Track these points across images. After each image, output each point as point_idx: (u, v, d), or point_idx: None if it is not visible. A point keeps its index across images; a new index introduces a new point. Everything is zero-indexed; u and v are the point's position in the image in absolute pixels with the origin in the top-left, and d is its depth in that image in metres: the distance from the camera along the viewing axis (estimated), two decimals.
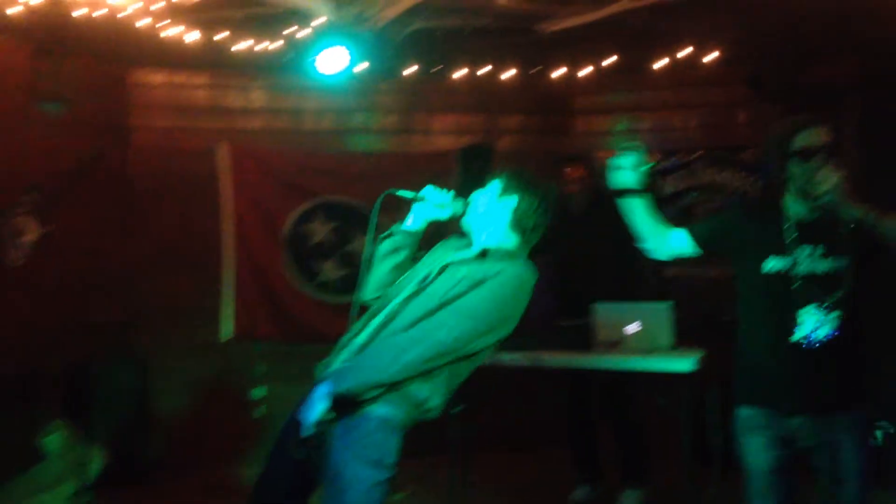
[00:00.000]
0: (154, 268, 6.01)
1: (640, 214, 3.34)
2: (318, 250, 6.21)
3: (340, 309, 6.29)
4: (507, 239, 2.94)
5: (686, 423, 4.41)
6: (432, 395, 2.78)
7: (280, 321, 6.01)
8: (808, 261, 2.89)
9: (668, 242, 3.33)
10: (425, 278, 2.85)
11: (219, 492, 5.37)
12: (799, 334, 2.90)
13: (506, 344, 4.56)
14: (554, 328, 4.84)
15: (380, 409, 2.68)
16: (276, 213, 6.13)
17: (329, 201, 6.27)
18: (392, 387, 2.67)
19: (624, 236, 5.33)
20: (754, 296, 3.07)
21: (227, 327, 5.82)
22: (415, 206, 3.03)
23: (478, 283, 2.73)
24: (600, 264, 5.05)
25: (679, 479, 4.50)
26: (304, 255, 6.13)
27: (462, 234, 3.04)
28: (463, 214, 2.97)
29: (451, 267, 2.83)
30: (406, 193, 3.00)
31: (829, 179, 2.79)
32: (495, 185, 2.97)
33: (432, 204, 2.99)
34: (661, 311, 4.54)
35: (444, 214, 3.00)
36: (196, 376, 6.04)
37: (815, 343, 2.88)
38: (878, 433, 2.98)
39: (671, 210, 6.41)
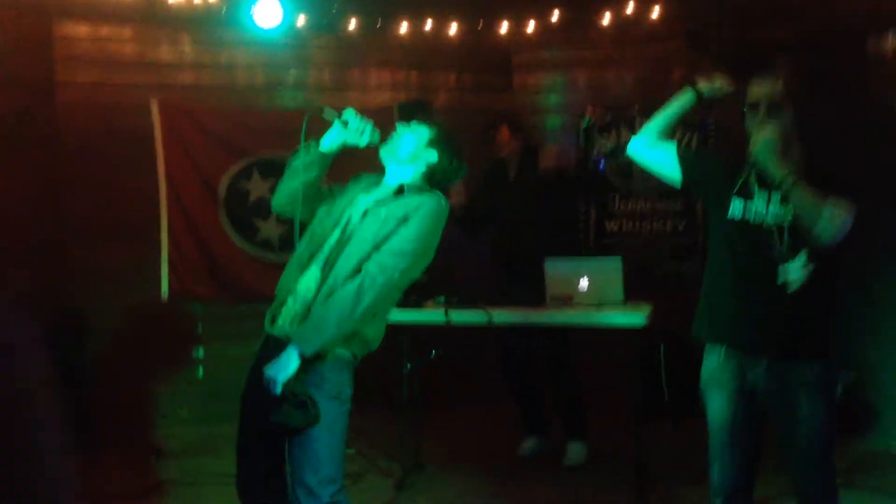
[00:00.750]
0: (87, 228, 5.80)
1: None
2: (257, 208, 6.07)
3: (281, 267, 6.19)
4: (419, 181, 3.09)
5: (635, 376, 4.47)
6: (377, 331, 3.03)
7: (219, 281, 5.88)
8: (772, 207, 2.89)
9: (656, 152, 3.23)
10: (349, 222, 2.96)
11: (158, 452, 5.27)
12: (781, 278, 2.87)
13: (460, 300, 4.61)
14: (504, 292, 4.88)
15: (335, 351, 2.90)
16: (212, 171, 5.96)
17: (265, 158, 6.12)
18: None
19: (562, 194, 5.40)
20: (720, 240, 3.04)
21: (164, 288, 5.67)
22: (334, 128, 3.09)
23: (403, 220, 2.89)
24: (541, 225, 5.05)
25: (628, 433, 4.58)
26: (243, 213, 5.99)
27: (373, 171, 3.17)
28: (379, 145, 3.07)
29: (372, 210, 2.95)
30: (330, 115, 3.07)
31: (760, 134, 2.80)
32: (423, 134, 3.09)
33: (352, 128, 3.05)
34: (612, 266, 4.59)
35: (360, 141, 3.06)
36: (135, 337, 5.89)
37: (789, 288, 2.86)
38: (839, 385, 2.99)
39: (611, 164, 6.48)
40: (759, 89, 2.91)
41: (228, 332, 5.77)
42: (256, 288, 5.75)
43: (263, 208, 6.08)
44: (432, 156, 3.08)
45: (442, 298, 4.70)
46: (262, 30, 6.01)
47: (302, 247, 3.05)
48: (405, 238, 2.88)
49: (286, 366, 2.74)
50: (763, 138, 2.77)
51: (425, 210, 2.93)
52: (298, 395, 2.75)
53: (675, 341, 5.45)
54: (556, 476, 4.92)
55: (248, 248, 5.98)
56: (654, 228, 6.42)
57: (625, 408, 4.62)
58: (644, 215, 6.45)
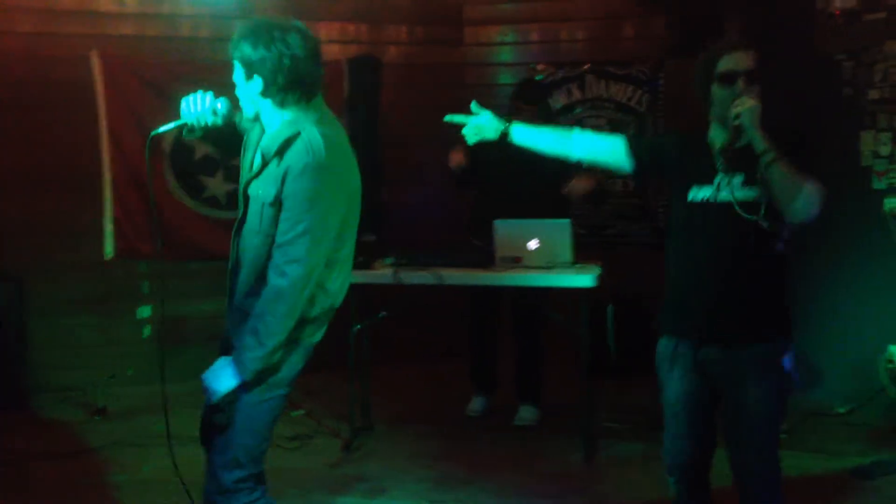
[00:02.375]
0: (22, 183, 5.63)
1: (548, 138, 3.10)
2: (203, 164, 5.94)
3: (229, 224, 6.08)
4: (283, 116, 2.63)
5: (584, 338, 4.49)
6: (341, 281, 2.79)
7: (165, 239, 5.75)
8: (727, 189, 2.86)
9: (602, 149, 3.05)
10: (240, 205, 2.67)
11: (102, 414, 5.21)
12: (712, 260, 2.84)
13: (409, 261, 4.58)
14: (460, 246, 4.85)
15: None
16: (156, 126, 5.79)
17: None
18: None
19: (558, 171, 5.29)
20: (678, 224, 2.96)
21: (108, 246, 5.53)
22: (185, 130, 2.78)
23: (281, 206, 2.53)
24: (529, 196, 4.88)
25: (577, 394, 4.61)
26: (189, 170, 5.85)
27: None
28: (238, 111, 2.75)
29: (251, 196, 2.63)
30: (168, 127, 2.79)
31: (743, 104, 2.76)
32: (238, 72, 2.65)
33: (204, 117, 2.73)
34: (561, 227, 4.57)
35: (217, 121, 2.75)
36: (76, 297, 5.78)
37: (729, 269, 2.83)
38: (785, 360, 2.97)
39: (561, 122, 6.45)
40: (734, 62, 2.78)
41: (176, 290, 5.67)
42: (203, 246, 5.66)
43: (209, 165, 5.97)
44: (258, 82, 2.58)
45: (390, 259, 4.66)
46: None
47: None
48: (290, 221, 2.51)
49: (221, 381, 2.57)
50: (748, 109, 2.68)
51: (293, 179, 2.51)
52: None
53: (623, 301, 5.52)
54: (505, 436, 4.95)
55: (194, 205, 5.85)
56: (605, 188, 6.40)
57: (573, 367, 4.65)
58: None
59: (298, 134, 2.55)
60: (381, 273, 4.59)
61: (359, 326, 4.72)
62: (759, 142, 2.68)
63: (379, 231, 5.77)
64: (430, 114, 6.43)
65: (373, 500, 4.08)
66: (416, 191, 5.52)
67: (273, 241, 2.54)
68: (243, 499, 2.68)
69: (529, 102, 5.05)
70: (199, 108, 2.69)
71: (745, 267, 2.83)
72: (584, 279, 4.41)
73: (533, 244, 4.53)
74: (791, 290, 2.97)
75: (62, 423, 5.20)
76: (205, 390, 2.60)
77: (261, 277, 2.56)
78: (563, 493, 4.13)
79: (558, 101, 6.46)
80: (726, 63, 2.79)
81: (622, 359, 5.09)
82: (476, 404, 5.28)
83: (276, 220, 2.54)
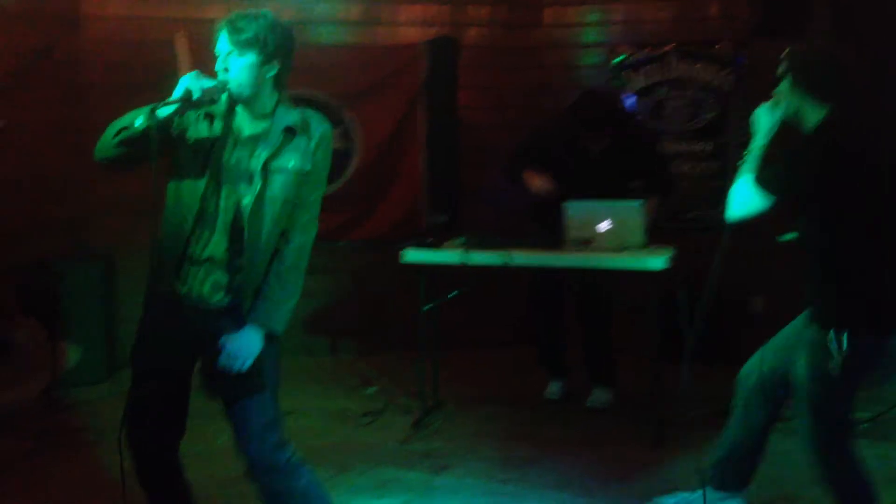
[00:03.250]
0: None
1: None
2: None
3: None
4: (273, 98, 2.79)
5: (656, 321, 4.44)
6: None
7: None
8: None
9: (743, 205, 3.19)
10: (251, 178, 2.72)
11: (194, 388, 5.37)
12: None
13: (479, 241, 4.59)
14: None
15: None
16: None
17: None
18: None
19: (649, 165, 5.23)
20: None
21: None
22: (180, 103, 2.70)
23: (308, 174, 2.77)
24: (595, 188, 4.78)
25: (648, 377, 4.56)
26: None
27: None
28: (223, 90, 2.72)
29: (275, 169, 2.73)
30: (171, 103, 2.67)
31: None
32: (248, 54, 2.70)
33: (205, 92, 2.69)
34: (634, 210, 4.52)
35: (216, 97, 2.74)
36: None
37: None
38: (832, 346, 2.97)
39: (642, 104, 6.36)
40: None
41: None
42: None
43: None
44: (251, 55, 2.70)
45: (461, 240, 4.68)
46: None
47: (175, 204, 2.78)
48: (319, 184, 2.83)
49: (252, 347, 2.73)
50: None
51: (324, 147, 2.82)
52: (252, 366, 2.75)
53: (699, 286, 5.42)
54: (576, 418, 4.94)
55: None
56: (686, 170, 6.30)
57: (645, 352, 4.60)
58: (675, 156, 6.33)
59: (303, 110, 2.86)
60: (450, 253, 4.61)
61: (428, 307, 4.75)
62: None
63: (453, 213, 5.82)
64: (509, 96, 6.49)
65: (438, 476, 4.12)
66: (493, 174, 5.50)
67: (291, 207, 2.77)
68: (287, 453, 2.86)
69: (593, 129, 4.91)
70: (205, 82, 2.69)
71: None
72: (655, 262, 4.36)
73: (604, 226, 4.49)
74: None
75: None
76: (231, 360, 2.71)
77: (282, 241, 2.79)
78: (630, 478, 4.09)
79: (639, 82, 6.36)
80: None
81: (696, 345, 4.99)
82: (553, 388, 5.27)
83: (298, 187, 2.77)
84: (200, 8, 6.08)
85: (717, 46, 6.19)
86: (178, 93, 2.66)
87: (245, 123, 2.79)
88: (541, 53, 6.59)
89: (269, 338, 2.78)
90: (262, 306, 2.77)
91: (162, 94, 2.73)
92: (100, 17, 5.88)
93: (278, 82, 2.79)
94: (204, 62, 5.67)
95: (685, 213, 6.28)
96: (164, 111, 2.64)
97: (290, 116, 2.80)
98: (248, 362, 2.73)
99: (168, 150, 2.77)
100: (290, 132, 2.76)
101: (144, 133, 2.62)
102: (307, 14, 6.30)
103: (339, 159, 6.23)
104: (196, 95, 2.65)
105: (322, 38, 6.32)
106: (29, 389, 5.00)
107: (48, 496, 3.94)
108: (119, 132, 2.67)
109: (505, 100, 6.46)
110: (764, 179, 3.08)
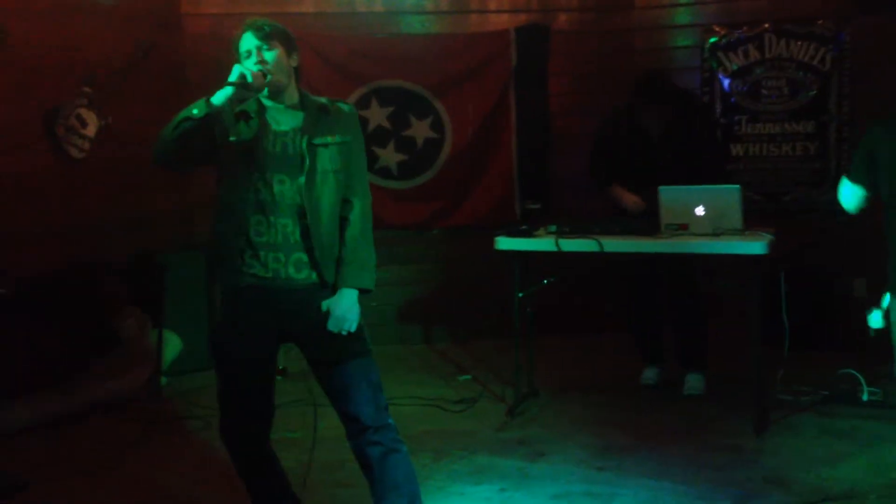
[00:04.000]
0: None
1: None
2: (376, 136, 6.14)
3: (400, 194, 6.28)
4: (297, 88, 3.03)
5: (756, 306, 4.34)
6: None
7: None
8: None
9: (846, 199, 3.53)
10: (300, 159, 2.89)
11: (283, 374, 5.47)
12: None
13: (572, 228, 4.57)
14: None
15: None
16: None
17: (384, 86, 6.17)
18: None
19: (708, 142, 5.14)
20: None
21: None
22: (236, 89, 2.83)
23: (350, 143, 2.99)
24: (682, 175, 4.74)
25: (747, 363, 4.48)
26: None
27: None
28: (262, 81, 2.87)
29: (320, 144, 2.93)
30: (223, 94, 2.80)
31: None
32: (276, 50, 2.93)
33: (255, 78, 2.85)
34: (731, 194, 4.43)
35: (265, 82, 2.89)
36: None
37: None
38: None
39: (738, 85, 6.22)
40: None
41: None
42: (378, 216, 5.85)
43: (382, 136, 6.16)
44: (295, 61, 3.01)
45: (553, 227, 4.66)
46: None
47: (228, 202, 2.93)
48: (360, 153, 3.06)
49: (354, 307, 2.95)
50: None
51: (356, 122, 3.08)
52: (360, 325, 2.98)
53: (798, 270, 5.30)
54: (674, 405, 4.88)
55: (369, 177, 6.06)
56: (783, 152, 6.14)
57: (746, 337, 4.51)
58: (772, 138, 6.17)
59: (326, 99, 3.06)
60: (543, 240, 4.60)
61: (522, 294, 4.75)
62: None
63: (546, 200, 5.80)
64: (600, 81, 6.42)
65: (534, 464, 4.12)
66: (584, 160, 5.46)
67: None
68: (390, 419, 3.03)
69: (652, 101, 4.86)
70: (250, 68, 2.86)
71: None
72: (754, 246, 4.26)
73: (700, 211, 4.41)
74: None
75: None
76: (340, 322, 2.92)
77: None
78: (731, 465, 4.01)
79: (735, 62, 6.22)
80: None
81: (796, 330, 4.89)
82: (649, 374, 5.22)
83: (345, 156, 2.98)
84: (292, 3, 6.19)
85: (817, 24, 6.01)
86: (233, 77, 2.82)
87: (279, 116, 2.98)
88: (633, 37, 6.48)
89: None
90: (349, 270, 2.97)
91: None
92: (198, 15, 6.06)
93: (299, 74, 3.04)
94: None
95: (784, 194, 6.14)
96: (219, 97, 2.81)
97: (319, 101, 3.03)
98: (356, 323, 2.94)
99: (215, 157, 2.95)
100: (323, 110, 2.99)
101: (202, 125, 2.80)
102: (397, 5, 6.36)
103: (431, 149, 6.29)
104: (249, 79, 2.82)
105: (412, 28, 6.36)
106: (136, 378, 5.17)
107: (160, 483, 4.06)
108: (178, 125, 2.83)
109: (596, 86, 6.39)
110: (847, 170, 3.48)
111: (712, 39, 6.28)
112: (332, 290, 2.95)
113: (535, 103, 6.28)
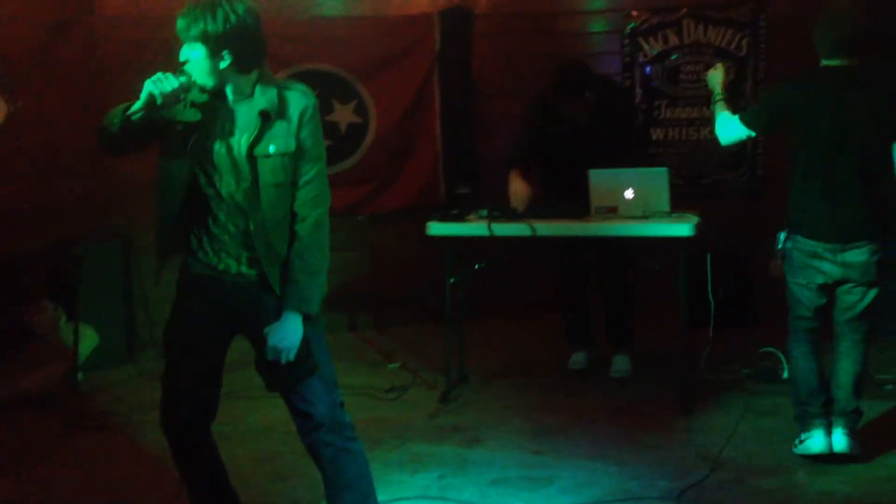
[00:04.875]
0: None
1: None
2: None
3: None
4: (251, 79, 2.72)
5: (683, 287, 4.41)
6: None
7: None
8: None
9: (728, 133, 3.98)
10: (240, 167, 2.70)
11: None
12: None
13: (502, 213, 4.56)
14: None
15: None
16: None
17: (306, 69, 6.05)
18: None
19: (627, 137, 5.18)
20: (807, 150, 3.67)
21: None
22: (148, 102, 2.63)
23: (294, 153, 2.72)
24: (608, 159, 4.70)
25: (674, 343, 4.55)
26: None
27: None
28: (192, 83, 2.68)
29: (260, 155, 2.70)
30: (139, 105, 2.62)
31: None
32: (196, 50, 2.65)
33: (173, 91, 2.62)
34: (659, 176, 4.48)
35: (189, 94, 2.72)
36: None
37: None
38: None
39: (658, 69, 6.30)
40: None
41: None
42: None
43: None
44: (226, 60, 2.66)
45: (485, 212, 4.65)
46: None
47: (169, 186, 2.78)
48: (313, 160, 2.75)
49: (294, 335, 2.74)
50: None
51: (309, 117, 2.74)
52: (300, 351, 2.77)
53: (722, 250, 5.40)
54: (602, 386, 4.93)
55: None
56: (702, 136, 6.26)
57: (670, 317, 4.58)
58: (691, 122, 6.28)
59: (283, 87, 2.76)
60: (475, 225, 4.58)
61: (454, 280, 4.73)
62: None
63: (473, 184, 5.78)
64: (522, 63, 6.43)
65: (470, 450, 4.12)
66: (508, 143, 5.45)
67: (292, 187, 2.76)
68: (347, 414, 2.93)
69: (569, 93, 4.82)
70: (166, 85, 2.61)
71: None
72: (682, 228, 4.33)
73: (629, 194, 4.46)
74: None
75: None
76: (277, 352, 2.72)
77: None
78: (664, 444, 4.08)
79: (654, 48, 6.30)
80: None
81: (720, 309, 4.98)
82: (577, 358, 5.26)
83: (293, 167, 2.74)
84: None
85: (733, 9, 6.13)
86: (141, 100, 2.61)
87: (225, 113, 2.75)
88: (554, 21, 6.51)
89: (308, 317, 2.78)
90: (292, 291, 2.75)
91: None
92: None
93: (242, 67, 2.69)
94: None
95: (702, 178, 6.26)
96: (136, 116, 2.62)
97: (267, 97, 2.72)
98: (294, 351, 2.74)
99: (159, 134, 2.76)
100: (265, 117, 2.70)
101: (124, 130, 2.64)
102: None
103: (355, 133, 6.20)
104: (159, 101, 2.60)
105: (334, 10, 6.26)
106: (52, 373, 4.99)
107: (85, 479, 3.94)
108: (101, 132, 2.71)
109: (519, 69, 6.39)
110: (742, 112, 3.97)
111: (632, 25, 6.35)
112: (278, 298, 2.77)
113: (459, 87, 6.25)
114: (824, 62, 3.67)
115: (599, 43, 6.48)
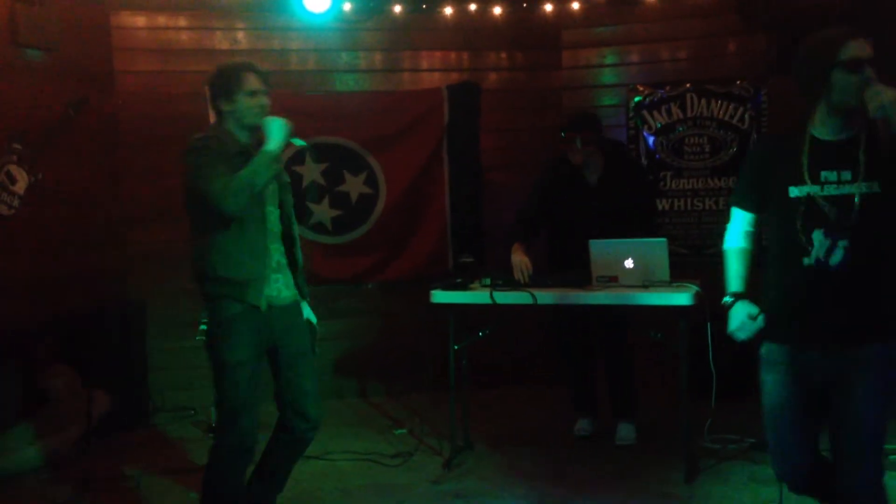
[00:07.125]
0: (146, 214, 6.00)
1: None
2: (310, 192, 6.18)
3: (335, 249, 6.31)
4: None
5: (684, 356, 4.47)
6: None
7: None
8: (831, 186, 2.79)
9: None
10: (281, 190, 3.74)
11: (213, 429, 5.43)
12: (810, 259, 2.85)
13: (505, 281, 4.65)
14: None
15: None
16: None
17: (318, 142, 6.22)
18: None
19: (641, 194, 5.28)
20: (777, 224, 2.97)
21: None
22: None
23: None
24: (616, 224, 4.86)
25: (676, 412, 4.58)
26: (297, 196, 6.07)
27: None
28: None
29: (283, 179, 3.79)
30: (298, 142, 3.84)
31: (883, 94, 2.62)
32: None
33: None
34: (658, 246, 4.57)
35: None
36: (194, 320, 6.04)
37: (829, 269, 2.82)
38: None
39: (662, 142, 6.45)
40: (860, 48, 2.76)
41: None
42: (312, 270, 5.88)
43: (316, 192, 6.20)
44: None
45: (487, 280, 4.74)
46: (312, 15, 6.14)
47: (253, 234, 3.50)
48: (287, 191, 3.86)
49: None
50: (886, 99, 2.62)
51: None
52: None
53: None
54: (606, 455, 4.95)
55: (302, 231, 6.08)
56: (706, 207, 6.37)
57: (673, 386, 4.62)
58: (696, 193, 6.40)
59: None
60: (478, 293, 4.68)
61: (457, 346, 4.81)
62: None
63: (478, 253, 5.89)
64: (529, 137, 6.60)
65: None
66: (514, 214, 5.58)
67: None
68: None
69: (571, 130, 4.96)
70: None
71: None
72: (681, 297, 4.40)
73: (629, 263, 4.54)
74: None
75: (181, 440, 5.48)
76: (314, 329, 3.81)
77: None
78: None
79: (659, 120, 6.46)
80: (853, 50, 2.74)
81: (722, 378, 5.01)
82: (582, 425, 5.29)
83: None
84: (225, 61, 6.22)
85: (735, 84, 6.28)
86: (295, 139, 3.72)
87: None
88: (560, 96, 6.70)
89: None
90: (304, 281, 3.78)
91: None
92: (130, 72, 6.07)
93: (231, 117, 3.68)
94: None
95: (707, 248, 6.34)
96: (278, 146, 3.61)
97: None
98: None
99: None
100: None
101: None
102: (330, 63, 6.47)
103: (365, 204, 6.35)
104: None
105: (346, 86, 6.48)
106: (67, 437, 5.07)
107: None
108: (240, 196, 3.36)
109: (526, 142, 6.57)
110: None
111: (637, 98, 6.52)
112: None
113: (467, 159, 6.40)
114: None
115: (605, 116, 6.60)
